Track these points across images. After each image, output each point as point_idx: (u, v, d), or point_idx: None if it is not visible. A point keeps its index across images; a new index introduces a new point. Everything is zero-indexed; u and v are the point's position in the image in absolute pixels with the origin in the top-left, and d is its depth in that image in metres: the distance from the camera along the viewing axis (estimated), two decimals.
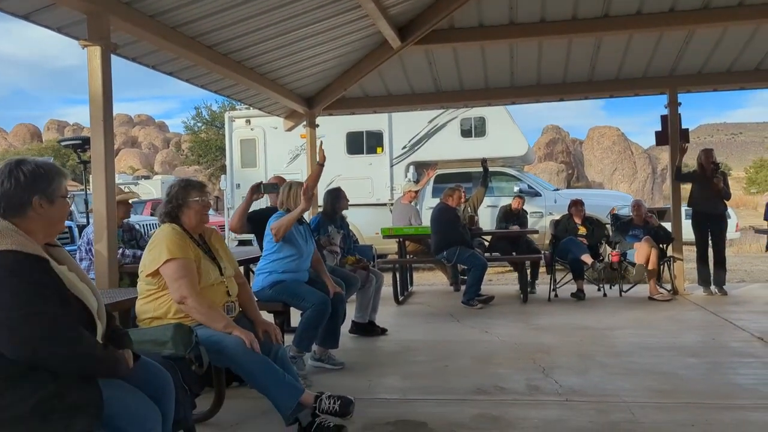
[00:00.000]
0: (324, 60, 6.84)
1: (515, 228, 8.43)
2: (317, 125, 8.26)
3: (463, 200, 8.03)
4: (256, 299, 4.33)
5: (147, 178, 23.96)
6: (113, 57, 4.23)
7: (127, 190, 6.18)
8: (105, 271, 4.04)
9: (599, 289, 7.71)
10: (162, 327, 3.07)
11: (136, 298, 3.29)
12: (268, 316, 4.02)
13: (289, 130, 8.55)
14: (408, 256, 8.32)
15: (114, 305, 3.35)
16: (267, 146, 11.84)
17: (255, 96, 7.33)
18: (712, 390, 3.95)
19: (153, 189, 20.51)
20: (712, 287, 7.53)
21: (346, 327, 5.38)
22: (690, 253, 8.05)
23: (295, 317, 4.85)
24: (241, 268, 5.54)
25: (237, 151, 12.00)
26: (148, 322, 3.19)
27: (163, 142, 44.46)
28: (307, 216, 5.47)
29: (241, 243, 11.19)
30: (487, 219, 10.30)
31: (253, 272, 5.10)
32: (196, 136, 33.30)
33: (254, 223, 5.16)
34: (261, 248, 4.81)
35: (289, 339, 4.50)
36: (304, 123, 8.23)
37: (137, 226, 5.39)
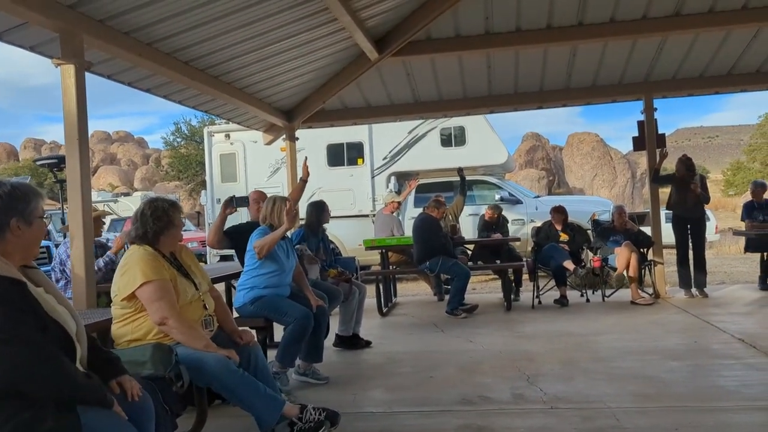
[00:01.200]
0: (302, 73, 6.84)
1: (497, 236, 8.46)
2: (297, 138, 8.25)
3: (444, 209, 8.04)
4: (237, 315, 4.34)
5: (127, 195, 23.75)
6: (89, 74, 4.19)
7: (104, 207, 6.09)
8: (83, 291, 3.98)
9: (582, 295, 7.75)
10: (141, 347, 3.03)
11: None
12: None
13: (269, 143, 8.53)
14: (391, 267, 8.31)
15: (93, 326, 3.30)
16: (247, 160, 11.80)
17: (233, 110, 7.31)
18: (695, 393, 3.98)
19: (133, 206, 20.30)
20: (693, 290, 7.60)
21: (330, 340, 5.36)
22: (670, 256, 8.13)
23: (278, 332, 4.81)
24: (222, 284, 5.53)
25: (217, 166, 11.95)
26: (126, 345, 3.14)
27: (143, 159, 44.11)
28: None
29: (223, 258, 11.12)
30: (469, 228, 10.33)
31: (234, 288, 5.06)
32: (176, 152, 33.17)
33: (234, 237, 5.13)
34: (242, 263, 4.77)
35: (272, 355, 4.46)
36: (284, 136, 8.21)
37: (110, 243, 5.28)
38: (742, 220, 8.47)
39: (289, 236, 4.88)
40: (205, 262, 11.86)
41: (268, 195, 4.88)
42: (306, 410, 3.24)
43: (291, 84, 7.06)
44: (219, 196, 11.79)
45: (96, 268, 4.53)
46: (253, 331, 4.13)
